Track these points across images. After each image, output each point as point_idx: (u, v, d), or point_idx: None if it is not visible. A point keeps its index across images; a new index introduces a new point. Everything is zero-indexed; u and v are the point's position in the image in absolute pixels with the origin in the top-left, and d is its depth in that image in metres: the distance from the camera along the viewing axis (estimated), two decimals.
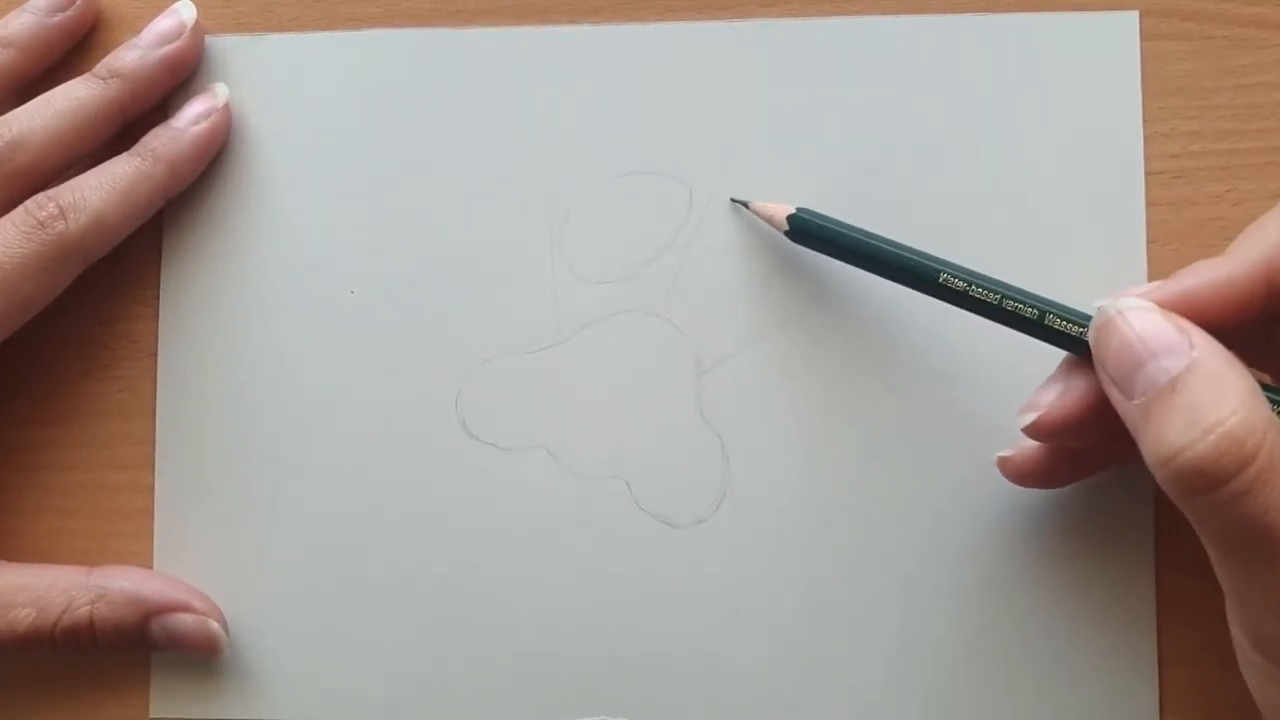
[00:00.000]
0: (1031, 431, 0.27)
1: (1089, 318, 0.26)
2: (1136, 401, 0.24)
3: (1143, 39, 0.31)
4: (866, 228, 0.30)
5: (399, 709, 0.32)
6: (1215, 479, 0.22)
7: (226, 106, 0.33)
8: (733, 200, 0.32)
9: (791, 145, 0.32)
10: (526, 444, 0.32)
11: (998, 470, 0.29)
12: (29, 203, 0.30)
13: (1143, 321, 0.24)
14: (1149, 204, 0.31)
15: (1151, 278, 0.31)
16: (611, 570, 0.31)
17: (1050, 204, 0.31)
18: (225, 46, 0.33)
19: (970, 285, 0.28)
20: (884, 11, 0.32)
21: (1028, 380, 0.28)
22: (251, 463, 0.32)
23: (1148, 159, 0.31)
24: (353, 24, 0.33)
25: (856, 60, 0.32)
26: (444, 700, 0.32)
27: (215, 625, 0.31)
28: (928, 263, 0.28)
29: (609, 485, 0.32)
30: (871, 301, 0.31)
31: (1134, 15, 0.31)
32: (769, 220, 0.31)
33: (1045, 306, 0.27)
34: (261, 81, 0.33)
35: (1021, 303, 0.28)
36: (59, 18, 0.33)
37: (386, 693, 0.32)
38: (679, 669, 0.31)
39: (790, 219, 0.30)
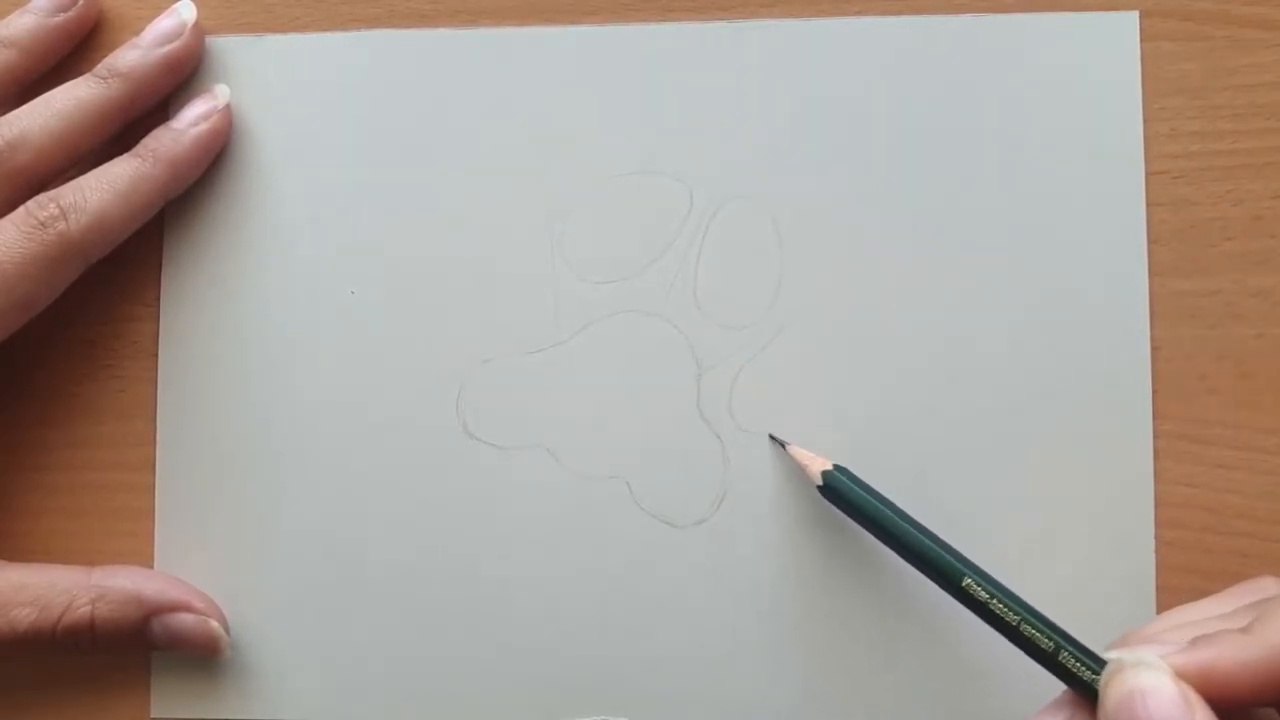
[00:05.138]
0: None
1: (1102, 663, 0.26)
2: None
3: (1143, 39, 0.31)
4: (867, 228, 0.30)
5: (399, 709, 0.32)
6: None
7: (227, 107, 0.33)
8: (771, 437, 0.31)
9: (791, 146, 0.32)
10: (526, 444, 0.32)
11: None
12: (30, 203, 0.30)
13: (1153, 684, 0.23)
14: (1149, 204, 0.31)
15: (1151, 277, 0.31)
16: (611, 570, 0.31)
17: (1050, 204, 0.31)
18: (226, 47, 0.33)
19: (992, 599, 0.27)
20: (884, 12, 0.32)
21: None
22: (252, 462, 0.32)
23: (1148, 159, 0.31)
24: (353, 25, 0.33)
25: (856, 60, 0.32)
26: (444, 700, 0.32)
27: (216, 625, 0.31)
28: (955, 563, 0.28)
29: (609, 485, 0.32)
30: (871, 303, 0.31)
31: (1134, 15, 0.31)
32: (804, 469, 0.30)
33: (1061, 642, 0.26)
34: (262, 82, 0.33)
35: (1039, 631, 0.27)
36: (60, 18, 0.33)
37: (387, 692, 0.32)
38: (679, 669, 0.31)
39: (825, 474, 0.29)
